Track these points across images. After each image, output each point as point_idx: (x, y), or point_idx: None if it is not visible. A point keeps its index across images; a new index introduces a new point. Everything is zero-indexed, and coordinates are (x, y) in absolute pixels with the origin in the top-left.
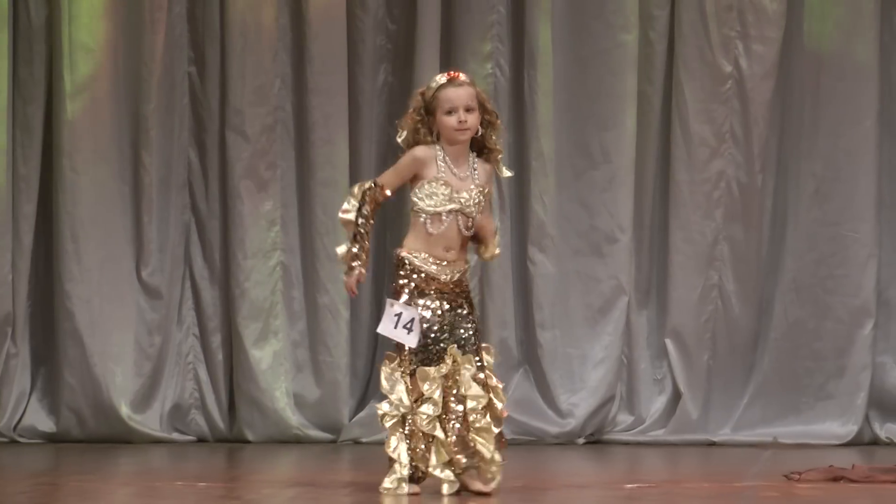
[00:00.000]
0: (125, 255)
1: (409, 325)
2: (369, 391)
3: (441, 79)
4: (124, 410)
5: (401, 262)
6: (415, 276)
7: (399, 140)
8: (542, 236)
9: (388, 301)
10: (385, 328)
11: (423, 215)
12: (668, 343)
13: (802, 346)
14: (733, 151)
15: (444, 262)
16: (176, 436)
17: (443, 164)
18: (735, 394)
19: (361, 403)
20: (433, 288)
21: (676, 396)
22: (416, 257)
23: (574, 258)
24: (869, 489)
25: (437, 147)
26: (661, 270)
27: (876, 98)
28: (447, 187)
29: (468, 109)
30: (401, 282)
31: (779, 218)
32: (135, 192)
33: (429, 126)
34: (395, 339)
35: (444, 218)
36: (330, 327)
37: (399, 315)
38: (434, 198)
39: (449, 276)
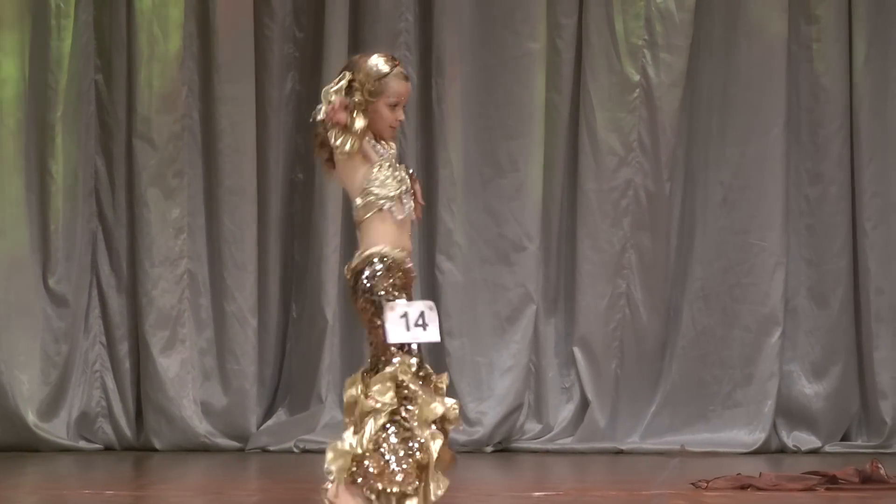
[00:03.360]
0: (32, 263)
1: (420, 322)
2: (277, 399)
3: (384, 65)
4: (31, 419)
5: (379, 260)
6: (399, 273)
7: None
8: (449, 245)
9: (387, 305)
10: (398, 335)
11: (388, 202)
12: (576, 351)
13: (710, 354)
14: (641, 160)
15: (408, 253)
16: (83, 444)
17: (378, 147)
18: (643, 402)
19: (269, 412)
20: (406, 284)
21: (584, 404)
22: (395, 252)
23: (482, 266)
24: (776, 497)
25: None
26: (569, 279)
27: (783, 107)
28: (393, 169)
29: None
30: (384, 284)
31: (686, 226)
32: (41, 201)
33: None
34: (413, 342)
35: (405, 200)
36: (237, 335)
37: (405, 315)
38: (390, 181)
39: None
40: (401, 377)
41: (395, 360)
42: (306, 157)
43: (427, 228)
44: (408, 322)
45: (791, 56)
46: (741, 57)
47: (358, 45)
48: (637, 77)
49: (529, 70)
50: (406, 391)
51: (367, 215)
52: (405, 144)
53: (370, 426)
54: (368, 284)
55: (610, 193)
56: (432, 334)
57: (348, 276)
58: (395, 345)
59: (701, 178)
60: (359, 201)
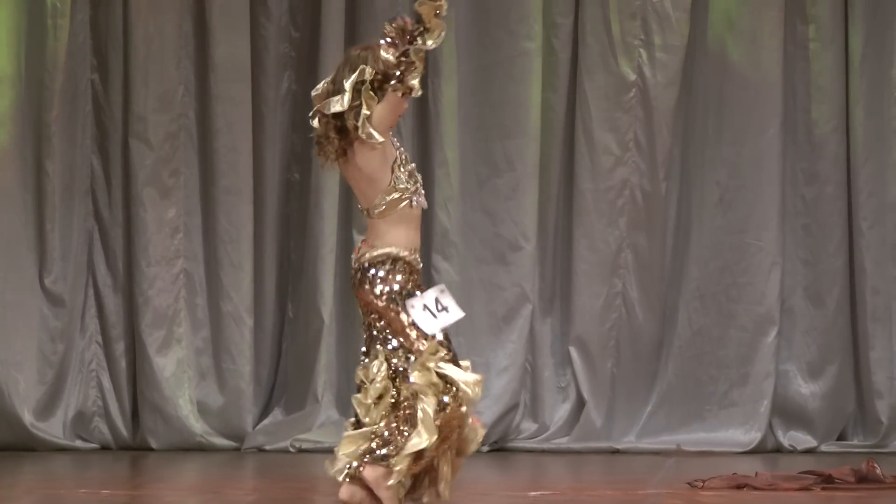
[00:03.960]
0: (28, 262)
1: (440, 307)
2: (273, 399)
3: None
4: (27, 418)
5: (396, 263)
6: (413, 276)
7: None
8: (446, 244)
9: (408, 304)
10: (431, 326)
11: (412, 197)
12: (572, 351)
13: (706, 353)
14: (637, 160)
15: (417, 250)
16: (79, 443)
17: (394, 140)
18: (639, 401)
19: (265, 411)
20: (418, 282)
21: (580, 404)
22: (409, 255)
23: (478, 266)
24: (772, 497)
25: None
26: (565, 278)
27: (780, 107)
28: (406, 163)
29: None
30: (395, 285)
31: (682, 226)
32: (37, 200)
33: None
34: (447, 325)
35: (422, 192)
36: (233, 335)
37: (425, 307)
38: (407, 176)
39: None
40: (430, 363)
41: (422, 346)
42: (302, 156)
43: (423, 228)
44: (431, 311)
45: (787, 56)
46: (737, 56)
47: (354, 44)
48: (633, 76)
49: (525, 69)
50: (444, 375)
51: (394, 210)
52: (402, 144)
53: (424, 411)
54: (387, 288)
55: (606, 193)
56: (456, 312)
57: (357, 265)
58: (420, 333)
59: (697, 178)
60: (385, 197)
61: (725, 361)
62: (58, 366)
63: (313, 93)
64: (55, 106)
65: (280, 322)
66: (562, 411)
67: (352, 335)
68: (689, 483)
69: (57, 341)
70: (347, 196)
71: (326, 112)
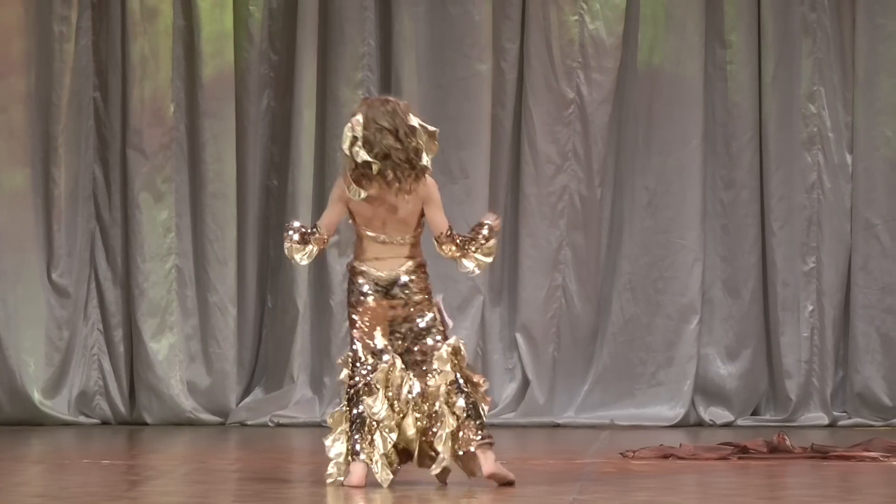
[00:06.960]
0: (37, 259)
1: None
2: (254, 379)
3: None
4: (36, 397)
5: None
6: None
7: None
8: None
9: (438, 300)
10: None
11: None
12: (518, 337)
13: (636, 339)
14: (575, 168)
15: None
16: (82, 419)
17: None
18: (577, 381)
19: (247, 390)
20: None
21: (525, 384)
22: None
23: (435, 262)
24: (694, 465)
25: None
26: (513, 273)
27: (701, 121)
28: None
29: None
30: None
31: (616, 226)
32: (46, 204)
33: None
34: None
35: None
36: (219, 323)
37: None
38: None
39: None
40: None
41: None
42: (280, 165)
43: None
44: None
45: (707, 76)
46: (663, 77)
47: (326, 66)
48: (572, 95)
49: (477, 89)
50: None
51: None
52: None
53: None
54: None
55: (548, 197)
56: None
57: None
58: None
59: (628, 184)
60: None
61: (653, 346)
62: (63, 350)
63: (345, 145)
64: (61, 120)
65: (260, 311)
66: (509, 390)
67: (324, 323)
68: (621, 453)
69: (63, 328)
70: (319, 201)
71: (424, 162)
